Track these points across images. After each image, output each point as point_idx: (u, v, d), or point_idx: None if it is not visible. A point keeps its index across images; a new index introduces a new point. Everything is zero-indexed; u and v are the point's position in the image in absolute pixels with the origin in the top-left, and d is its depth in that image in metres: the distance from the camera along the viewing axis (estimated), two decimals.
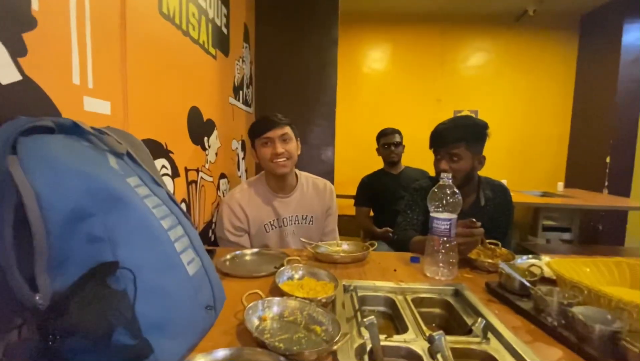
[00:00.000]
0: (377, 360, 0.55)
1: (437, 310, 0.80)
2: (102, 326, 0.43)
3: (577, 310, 0.60)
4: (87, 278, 0.43)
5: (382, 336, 0.59)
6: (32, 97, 0.55)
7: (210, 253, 1.10)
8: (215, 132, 1.48)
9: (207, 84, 1.38)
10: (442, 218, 0.88)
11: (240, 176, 1.95)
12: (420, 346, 0.58)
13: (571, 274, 0.77)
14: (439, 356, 0.54)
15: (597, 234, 3.24)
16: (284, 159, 1.24)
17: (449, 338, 0.58)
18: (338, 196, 2.37)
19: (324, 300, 0.69)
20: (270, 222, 1.29)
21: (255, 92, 2.32)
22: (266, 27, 2.30)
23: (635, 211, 3.29)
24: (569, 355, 0.57)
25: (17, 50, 0.52)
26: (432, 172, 1.37)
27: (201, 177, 1.32)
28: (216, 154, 1.50)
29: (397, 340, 0.59)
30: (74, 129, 0.50)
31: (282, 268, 0.84)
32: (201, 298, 0.55)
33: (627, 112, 3.15)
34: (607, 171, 3.20)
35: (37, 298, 0.40)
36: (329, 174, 2.41)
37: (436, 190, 0.91)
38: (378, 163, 2.35)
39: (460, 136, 1.18)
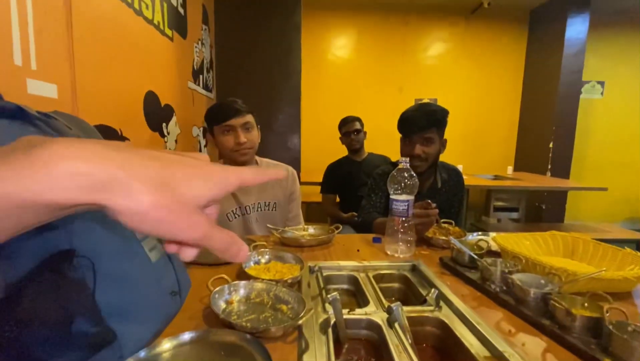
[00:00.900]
0: (340, 332, 0.59)
1: (396, 285, 0.85)
2: (60, 315, 0.42)
3: (516, 277, 0.68)
4: (42, 267, 0.42)
5: (345, 311, 0.62)
6: None
7: None
8: (174, 118, 1.43)
9: (163, 67, 1.32)
10: (401, 200, 0.93)
11: None
12: (380, 317, 0.62)
13: (513, 247, 0.85)
14: (396, 325, 0.58)
15: (541, 213, 3.55)
16: (246, 149, 1.22)
17: (406, 308, 0.63)
18: (305, 184, 2.40)
19: (290, 281, 0.72)
20: (232, 211, 1.28)
21: (216, 76, 2.25)
22: (226, 9, 2.22)
23: (574, 191, 3.66)
24: (508, 316, 0.64)
25: None
26: (395, 158, 1.42)
27: None
28: (176, 141, 1.45)
29: (358, 313, 0.63)
30: (18, 114, 0.47)
31: (248, 254, 0.85)
32: (165, 284, 0.55)
33: (568, 101, 3.44)
34: (550, 155, 3.49)
35: None
36: (295, 161, 2.42)
37: (395, 173, 0.95)
38: (344, 150, 2.39)
39: (432, 121, 1.25)
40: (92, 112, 0.83)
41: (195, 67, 1.76)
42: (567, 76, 3.39)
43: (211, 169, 0.26)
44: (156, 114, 1.24)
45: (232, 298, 0.66)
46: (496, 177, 3.41)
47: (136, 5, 1.06)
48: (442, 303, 0.67)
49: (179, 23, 1.49)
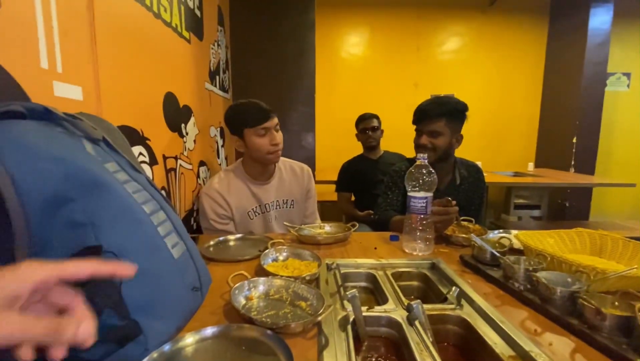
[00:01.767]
0: (359, 330, 0.58)
1: (415, 283, 0.84)
2: (88, 308, 0.44)
3: (541, 275, 0.66)
4: None
5: (363, 308, 0.62)
6: (0, 81, 0.53)
7: (194, 240, 1.10)
8: (192, 119, 1.45)
9: (181, 69, 1.35)
10: (419, 197, 0.92)
11: (220, 164, 1.93)
12: (399, 315, 0.61)
13: (537, 244, 0.82)
14: (416, 323, 0.57)
15: (565, 210, 3.43)
16: (280, 149, 1.25)
17: (426, 306, 0.62)
18: (320, 182, 2.40)
19: (308, 278, 0.72)
20: (253, 209, 1.30)
21: (232, 77, 2.27)
22: (241, 10, 2.24)
23: (599, 188, 3.52)
24: (533, 315, 0.62)
25: None
26: (410, 156, 1.41)
27: (180, 165, 1.30)
28: (194, 141, 1.48)
29: (378, 311, 0.63)
30: (45, 115, 0.49)
31: (266, 251, 0.85)
32: (187, 280, 0.56)
33: (593, 94, 3.31)
34: (574, 150, 3.37)
35: None
36: (310, 160, 2.42)
37: (413, 170, 0.94)
38: (358, 149, 2.38)
39: (441, 112, 1.24)
40: (115, 114, 0.85)
41: (211, 68, 1.79)
42: (591, 68, 3.26)
43: None
44: (175, 115, 1.26)
45: (252, 294, 0.66)
46: (516, 174, 3.32)
47: (155, 9, 1.08)
48: (463, 302, 0.66)
49: (195, 25, 1.51)
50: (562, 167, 3.44)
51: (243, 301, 0.64)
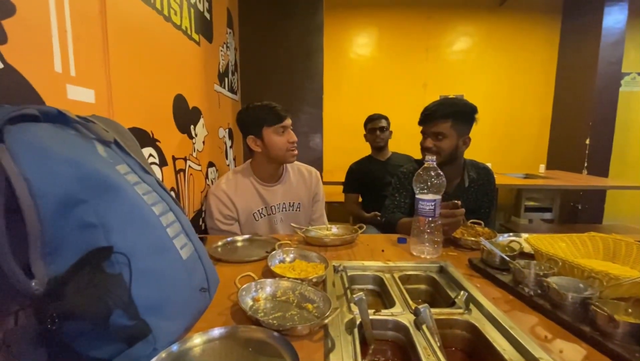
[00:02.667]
0: (366, 333, 0.58)
1: (422, 286, 0.83)
2: (99, 309, 0.45)
3: (552, 280, 0.65)
4: (82, 263, 0.44)
5: (370, 311, 0.62)
6: (15, 85, 0.55)
7: (202, 240, 1.11)
8: (201, 121, 1.47)
9: (191, 71, 1.37)
10: (427, 199, 0.91)
11: (228, 165, 1.95)
12: (406, 319, 0.61)
13: (548, 249, 0.81)
14: (424, 327, 0.57)
15: (577, 213, 3.36)
16: (296, 147, 1.29)
17: (434, 310, 0.61)
18: (327, 183, 2.40)
19: (315, 280, 0.72)
20: (259, 210, 1.31)
21: (240, 79, 2.29)
22: (250, 13, 2.26)
23: (613, 190, 3.44)
24: (543, 321, 0.61)
25: None
26: (420, 158, 1.39)
27: (189, 166, 1.32)
28: (203, 142, 1.49)
29: (385, 314, 0.63)
30: (59, 118, 0.50)
31: (273, 252, 0.86)
32: (195, 280, 0.57)
33: (607, 94, 3.24)
34: (587, 152, 3.30)
35: (33, 284, 0.41)
36: (317, 162, 2.43)
37: (421, 172, 0.93)
38: (366, 150, 2.37)
39: (447, 113, 1.22)
40: (126, 116, 0.86)
41: (220, 70, 1.81)
42: (605, 68, 3.19)
43: None
44: (185, 116, 1.28)
45: (259, 295, 0.67)
46: (527, 176, 3.26)
47: (165, 12, 1.09)
48: (471, 306, 0.65)
49: (205, 28, 1.53)
50: (574, 169, 3.38)
51: (250, 303, 0.64)
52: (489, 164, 1.47)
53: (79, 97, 0.69)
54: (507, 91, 3.72)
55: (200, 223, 1.45)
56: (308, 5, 2.29)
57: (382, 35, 3.67)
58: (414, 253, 0.95)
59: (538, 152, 3.81)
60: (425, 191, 0.92)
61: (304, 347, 0.52)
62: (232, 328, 0.53)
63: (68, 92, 0.66)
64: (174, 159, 1.18)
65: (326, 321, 0.55)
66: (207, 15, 1.56)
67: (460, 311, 0.64)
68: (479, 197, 1.35)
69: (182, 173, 1.25)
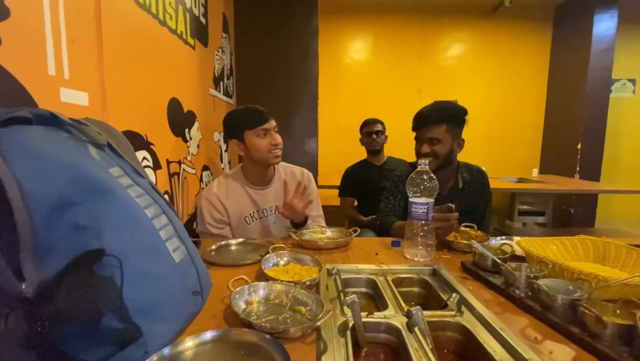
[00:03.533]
0: (358, 335, 0.58)
1: (415, 289, 0.84)
2: (90, 311, 0.44)
3: (542, 282, 0.65)
4: (73, 265, 0.44)
5: (363, 314, 0.62)
6: (8, 88, 0.55)
7: (196, 244, 1.10)
8: (196, 124, 1.47)
9: (186, 74, 1.37)
10: (420, 203, 0.92)
11: (223, 168, 1.95)
12: (399, 321, 0.61)
13: (539, 251, 0.82)
14: (416, 329, 0.57)
15: (570, 217, 3.40)
16: (280, 149, 1.28)
17: (426, 312, 0.62)
18: (322, 187, 2.40)
19: (308, 283, 0.72)
20: (250, 214, 1.30)
21: (236, 83, 2.30)
22: (245, 18, 2.27)
23: (605, 194, 3.48)
24: (534, 322, 0.62)
25: None
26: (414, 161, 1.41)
27: (183, 170, 1.32)
28: (198, 146, 1.49)
29: (377, 317, 0.63)
30: (52, 120, 0.50)
31: (267, 256, 0.86)
32: (188, 283, 0.57)
33: (597, 100, 3.29)
34: (579, 157, 3.35)
35: (24, 286, 0.41)
36: (312, 165, 2.43)
37: (414, 176, 0.94)
38: (361, 154, 2.38)
39: (441, 117, 1.23)
40: (120, 119, 0.86)
41: (216, 74, 1.81)
42: (596, 74, 3.25)
43: None
44: (179, 120, 1.28)
45: (252, 298, 0.67)
46: (521, 180, 3.30)
47: (161, 16, 1.10)
48: (463, 308, 0.65)
49: (200, 32, 1.53)
50: (567, 174, 3.42)
51: (243, 306, 0.64)
52: (483, 168, 1.49)
53: (72, 100, 0.69)
54: (501, 96, 3.76)
55: (194, 226, 1.45)
56: (303, 10, 2.31)
57: (377, 40, 3.71)
58: (408, 256, 0.95)
59: (531, 156, 3.85)
60: (418, 194, 0.93)
61: (296, 350, 0.52)
62: (225, 331, 0.53)
63: (62, 95, 0.66)
64: (168, 162, 1.17)
65: (318, 323, 0.56)
66: (202, 19, 1.57)
67: (452, 313, 0.64)
68: (473, 198, 1.36)
69: (176, 177, 1.24)
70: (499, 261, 0.78)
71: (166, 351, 0.48)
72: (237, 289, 0.65)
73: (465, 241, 1.01)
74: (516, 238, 1.04)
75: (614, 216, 3.77)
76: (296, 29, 2.32)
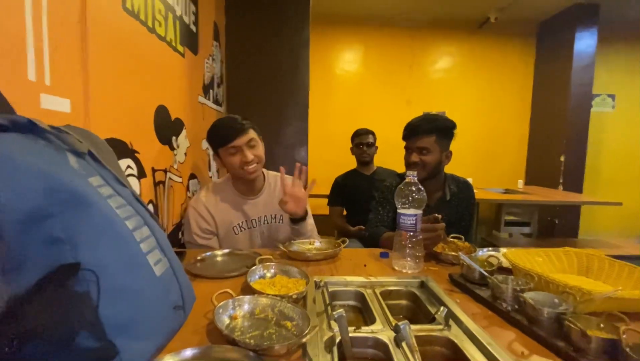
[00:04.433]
0: (345, 351, 0.57)
1: (403, 302, 0.83)
2: (63, 329, 0.42)
3: (528, 295, 0.66)
4: (46, 280, 0.42)
5: (351, 328, 0.61)
6: None
7: (180, 255, 1.08)
8: (184, 132, 1.45)
9: (175, 82, 1.35)
10: (408, 214, 0.92)
11: (211, 177, 1.92)
12: (387, 336, 0.60)
13: (525, 264, 0.82)
14: (404, 344, 0.57)
15: (554, 227, 3.47)
16: (254, 165, 1.22)
17: (414, 326, 0.61)
18: (312, 196, 2.39)
19: (295, 296, 0.71)
20: (239, 224, 1.28)
21: (226, 91, 2.29)
22: (237, 26, 2.28)
23: (588, 206, 3.57)
24: (520, 336, 0.62)
25: None
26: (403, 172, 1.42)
27: (169, 178, 1.29)
28: (185, 154, 1.47)
29: (365, 331, 0.62)
30: (29, 128, 0.48)
31: (254, 267, 0.84)
32: (169, 298, 0.55)
33: (579, 114, 3.40)
34: (562, 168, 3.43)
35: None
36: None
37: (402, 187, 0.94)
38: (351, 163, 2.39)
39: (431, 128, 1.26)
40: (104, 126, 0.84)
41: (205, 82, 1.80)
42: (577, 89, 3.36)
43: None
44: (166, 127, 1.26)
45: (236, 313, 0.65)
46: (507, 191, 3.36)
47: (150, 23, 1.09)
48: (451, 322, 0.65)
49: (190, 40, 1.53)
50: (551, 185, 3.50)
51: (227, 321, 0.62)
52: (469, 180, 1.51)
53: (53, 106, 0.67)
54: (487, 108, 3.85)
55: (180, 236, 1.42)
56: (295, 20, 2.33)
57: (367, 52, 3.77)
58: (396, 268, 0.95)
59: (517, 168, 3.93)
60: (407, 205, 0.93)
61: None
62: (206, 348, 0.51)
63: (42, 101, 0.64)
64: (154, 170, 1.15)
65: (304, 340, 0.54)
66: (193, 27, 1.57)
67: (440, 327, 0.63)
68: (460, 210, 1.37)
69: (161, 185, 1.22)
70: (485, 273, 0.78)
71: None
72: (221, 303, 0.63)
73: (453, 253, 1.01)
74: (503, 250, 1.05)
75: (596, 226, 3.86)
76: (287, 38, 2.33)
